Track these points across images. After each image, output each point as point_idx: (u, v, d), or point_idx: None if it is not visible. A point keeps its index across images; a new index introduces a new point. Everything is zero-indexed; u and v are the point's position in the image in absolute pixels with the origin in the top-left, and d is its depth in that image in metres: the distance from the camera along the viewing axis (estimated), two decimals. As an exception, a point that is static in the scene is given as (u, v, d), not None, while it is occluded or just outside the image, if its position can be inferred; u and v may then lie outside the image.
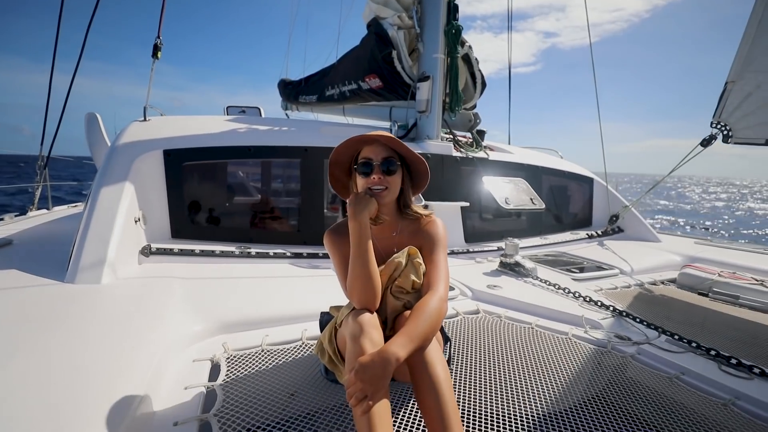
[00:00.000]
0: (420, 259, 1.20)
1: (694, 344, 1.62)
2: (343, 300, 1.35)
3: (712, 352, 1.56)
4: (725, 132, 2.86)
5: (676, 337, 1.69)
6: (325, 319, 1.40)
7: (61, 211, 4.80)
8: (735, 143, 2.85)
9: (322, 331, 1.36)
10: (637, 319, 1.88)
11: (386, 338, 1.11)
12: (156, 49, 3.07)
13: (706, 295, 2.49)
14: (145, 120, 2.98)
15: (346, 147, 1.21)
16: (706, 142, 3.11)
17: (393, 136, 1.21)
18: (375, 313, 1.13)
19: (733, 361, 1.50)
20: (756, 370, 1.45)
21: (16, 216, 4.01)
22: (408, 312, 1.14)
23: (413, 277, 1.17)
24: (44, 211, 4.64)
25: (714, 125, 2.91)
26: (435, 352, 1.05)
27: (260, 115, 5.28)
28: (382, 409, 0.92)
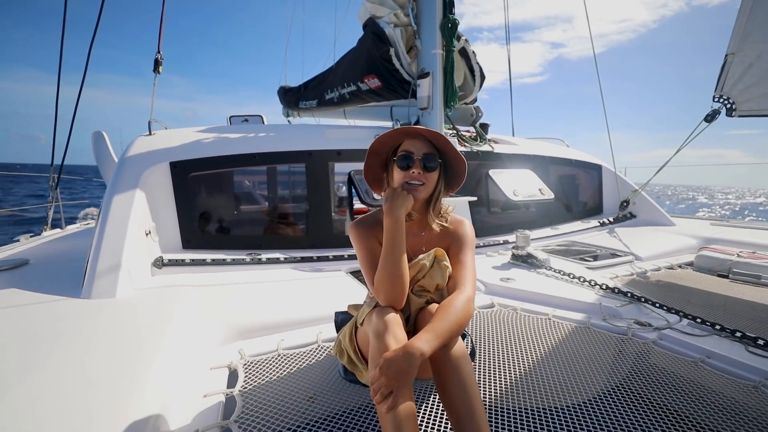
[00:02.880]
0: (447, 262, 1.18)
1: (717, 327, 1.58)
2: (353, 300, 1.34)
3: (738, 334, 1.52)
4: (728, 105, 2.79)
5: (699, 320, 1.65)
6: (340, 318, 1.39)
7: (74, 229, 4.88)
8: (739, 116, 2.77)
9: (338, 331, 1.35)
10: (657, 304, 1.84)
11: (408, 335, 1.09)
12: (157, 63, 3.10)
13: (726, 277, 2.43)
14: (150, 134, 3.02)
15: (389, 137, 1.18)
16: (710, 117, 3.04)
17: (439, 132, 1.17)
18: (399, 311, 1.12)
19: (761, 341, 1.45)
20: None
21: (31, 236, 4.08)
22: (432, 307, 1.13)
23: (438, 280, 1.16)
24: (58, 230, 4.72)
25: (716, 99, 2.84)
26: (459, 347, 1.03)
27: (263, 122, 5.31)
28: (407, 405, 0.91)
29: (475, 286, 1.17)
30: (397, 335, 1.01)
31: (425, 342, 0.95)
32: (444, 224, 1.24)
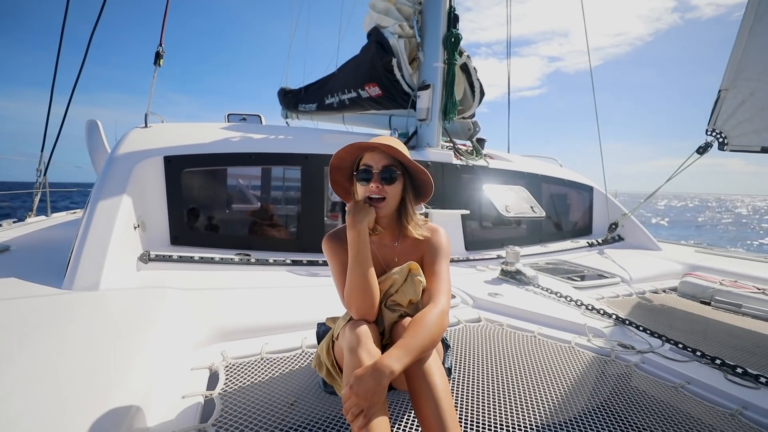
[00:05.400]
0: (421, 276, 1.16)
1: (698, 353, 1.60)
2: (341, 307, 1.33)
3: (717, 361, 1.54)
4: (720, 139, 2.86)
5: (680, 345, 1.67)
6: (321, 330, 1.37)
7: (60, 217, 4.78)
8: (731, 150, 2.85)
9: (319, 342, 1.33)
10: (641, 328, 1.86)
11: (385, 348, 1.08)
12: (158, 56, 3.08)
13: (708, 304, 2.48)
14: (146, 126, 2.99)
15: (347, 152, 1.17)
16: (702, 150, 3.12)
17: (395, 144, 1.15)
18: (373, 324, 1.11)
19: (739, 370, 1.48)
20: (762, 380, 1.43)
21: (14, 222, 3.99)
22: (407, 320, 1.11)
23: (410, 296, 1.14)
24: (43, 217, 4.62)
25: (709, 133, 2.92)
26: (433, 361, 1.02)
27: (261, 122, 5.30)
28: (380, 423, 0.89)
29: (450, 297, 1.16)
30: (370, 350, 1.00)
31: (395, 359, 0.93)
32: (421, 232, 1.23)
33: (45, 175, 4.63)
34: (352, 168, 1.24)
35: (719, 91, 2.78)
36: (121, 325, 1.55)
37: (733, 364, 1.51)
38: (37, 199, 4.62)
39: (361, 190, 1.18)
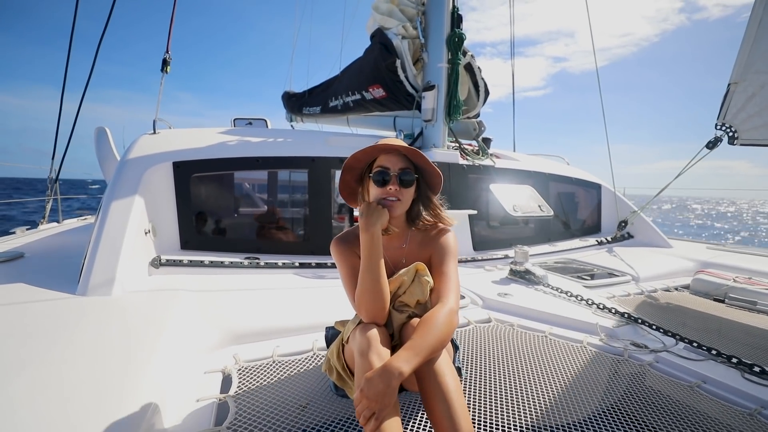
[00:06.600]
0: (428, 277, 1.16)
1: (714, 351, 1.58)
2: (350, 308, 1.33)
3: (734, 360, 1.52)
4: (730, 134, 2.82)
5: (695, 344, 1.65)
6: (330, 334, 1.37)
7: (72, 223, 4.85)
8: (741, 145, 2.80)
9: (328, 346, 1.33)
10: (653, 326, 1.84)
11: (395, 349, 1.08)
12: (165, 63, 3.13)
13: (722, 301, 2.44)
14: (154, 133, 3.02)
15: (365, 153, 1.16)
16: (711, 144, 3.07)
17: (413, 147, 1.17)
18: (382, 326, 1.10)
19: (757, 369, 1.45)
20: None
21: (27, 229, 4.06)
22: (415, 321, 1.10)
23: (418, 296, 1.14)
24: (54, 224, 4.70)
25: (719, 127, 2.87)
26: (443, 362, 1.01)
27: (267, 126, 5.34)
28: (392, 424, 0.89)
29: (459, 297, 1.15)
30: (380, 353, 0.99)
31: (404, 361, 0.93)
32: (447, 222, 1.25)
33: (56, 182, 4.70)
34: (364, 170, 1.24)
35: (728, 84, 2.73)
36: (134, 329, 1.57)
37: (750, 362, 1.48)
38: (48, 206, 4.69)
39: (376, 191, 1.17)
